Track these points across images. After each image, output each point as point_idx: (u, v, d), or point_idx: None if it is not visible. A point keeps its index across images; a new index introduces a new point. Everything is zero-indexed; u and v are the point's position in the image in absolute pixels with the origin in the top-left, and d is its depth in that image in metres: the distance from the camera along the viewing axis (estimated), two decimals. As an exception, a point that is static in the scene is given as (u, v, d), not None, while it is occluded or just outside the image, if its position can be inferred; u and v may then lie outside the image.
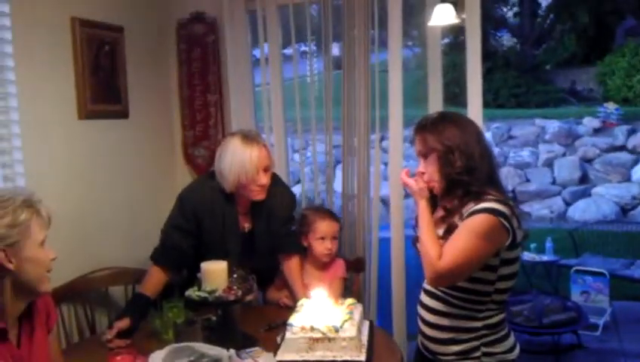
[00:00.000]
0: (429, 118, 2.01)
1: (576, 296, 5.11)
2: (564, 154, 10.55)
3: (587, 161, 10.35)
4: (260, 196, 2.41)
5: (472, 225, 1.80)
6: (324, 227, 2.57)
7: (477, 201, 1.84)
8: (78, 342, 2.45)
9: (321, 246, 2.57)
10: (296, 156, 3.58)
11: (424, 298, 2.01)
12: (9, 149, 2.37)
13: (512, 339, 1.97)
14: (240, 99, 3.18)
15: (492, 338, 1.91)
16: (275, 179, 2.52)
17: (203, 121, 3.22)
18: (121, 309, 2.34)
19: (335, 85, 3.02)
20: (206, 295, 1.99)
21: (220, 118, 3.20)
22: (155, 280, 2.38)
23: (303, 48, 3.23)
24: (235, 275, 2.07)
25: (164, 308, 2.21)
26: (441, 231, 1.91)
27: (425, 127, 1.97)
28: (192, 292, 2.03)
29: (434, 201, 1.99)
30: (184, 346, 1.84)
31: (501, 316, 1.93)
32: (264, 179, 2.37)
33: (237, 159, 2.33)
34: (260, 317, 2.41)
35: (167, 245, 2.43)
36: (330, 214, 2.66)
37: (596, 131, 10.91)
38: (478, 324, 1.90)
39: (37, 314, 1.63)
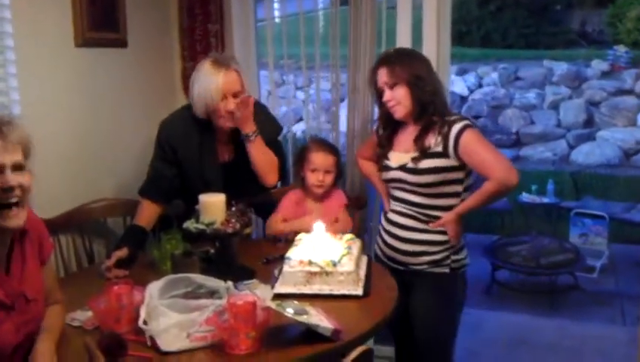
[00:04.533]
0: (391, 52, 2.32)
1: (574, 239, 5.15)
2: (570, 97, 10.44)
3: (593, 104, 10.25)
4: (227, 123, 2.34)
5: (476, 140, 2.11)
6: (316, 158, 2.54)
7: (448, 123, 2.14)
8: (76, 272, 2.46)
9: (313, 178, 2.54)
10: (300, 94, 3.53)
11: (395, 217, 2.29)
12: (4, 76, 2.30)
13: (465, 248, 2.32)
14: (241, 31, 3.11)
15: (457, 247, 2.25)
16: (257, 108, 2.45)
17: (203, 52, 3.11)
18: (118, 239, 2.34)
19: (341, 22, 2.94)
20: (204, 227, 1.97)
21: (220, 49, 3.10)
22: (147, 213, 2.37)
23: None
24: (233, 208, 2.05)
25: (162, 240, 2.21)
26: (414, 153, 2.18)
27: (390, 60, 2.22)
28: (190, 225, 2.01)
29: (394, 124, 2.29)
30: (181, 277, 1.83)
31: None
32: (231, 105, 2.30)
33: (202, 84, 2.28)
34: (257, 250, 2.42)
35: (152, 176, 2.43)
36: (327, 146, 2.61)
37: (604, 74, 10.78)
38: (446, 237, 2.21)
39: (29, 245, 1.61)
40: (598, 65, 10.94)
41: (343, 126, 3.07)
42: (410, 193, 2.23)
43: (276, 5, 3.20)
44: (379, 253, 2.40)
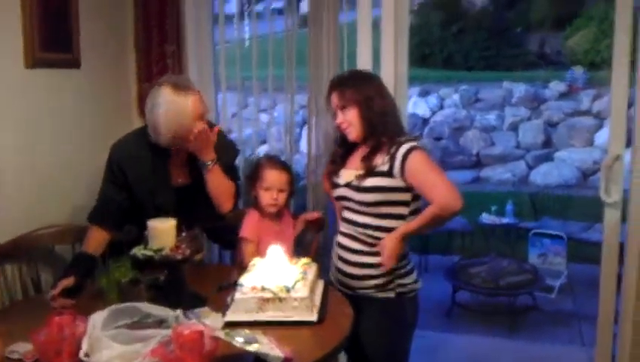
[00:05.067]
0: (343, 75, 2.37)
1: (533, 259, 5.19)
2: (529, 118, 10.60)
3: (552, 125, 10.43)
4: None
5: (422, 162, 2.13)
6: (270, 176, 2.49)
7: (397, 144, 2.15)
8: (20, 301, 2.37)
9: (267, 196, 2.48)
10: (262, 116, 3.51)
11: (342, 239, 2.29)
12: (-52, 98, 2.24)
13: (415, 272, 2.30)
14: (199, 52, 3.09)
15: (402, 271, 2.23)
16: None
17: (160, 73, 3.04)
18: (65, 268, 2.26)
19: (301, 44, 2.95)
20: (152, 254, 1.92)
21: (178, 70, 3.06)
22: (95, 239, 2.30)
23: (274, 5, 3.16)
24: (183, 233, 2.00)
25: (110, 267, 2.14)
26: (360, 171, 2.19)
27: (341, 83, 2.26)
28: (138, 251, 1.95)
29: (348, 146, 2.30)
30: (128, 306, 1.78)
31: (407, 250, 2.26)
32: (201, 128, 2.25)
33: (171, 111, 2.19)
34: (211, 276, 2.36)
35: (101, 201, 2.37)
36: (281, 164, 2.57)
37: (562, 95, 10.99)
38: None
39: None
40: (556, 87, 11.14)
41: (305, 147, 3.05)
42: (355, 213, 2.23)
43: (237, 27, 3.19)
44: (332, 277, 2.38)
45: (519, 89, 11.04)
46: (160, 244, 1.94)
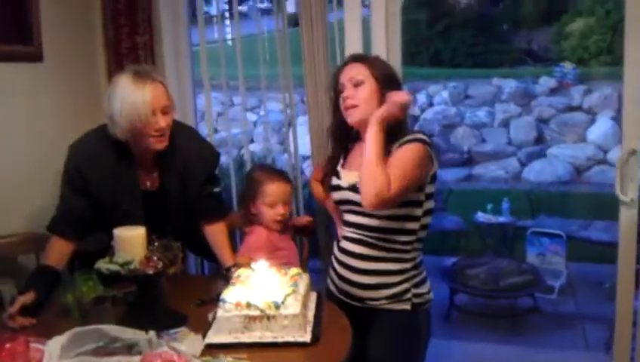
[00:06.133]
0: (367, 54, 2.19)
1: (532, 258, 5.02)
2: (520, 115, 10.45)
3: (543, 121, 10.27)
4: (160, 144, 2.04)
5: (409, 154, 1.86)
6: (273, 190, 2.26)
7: (402, 136, 1.91)
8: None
9: (272, 212, 2.26)
10: (248, 115, 3.33)
11: (348, 245, 2.03)
12: None
13: (428, 280, 2.08)
14: (174, 45, 2.90)
15: (418, 279, 2.01)
16: (190, 132, 2.24)
17: (133, 67, 2.85)
18: (24, 283, 2.01)
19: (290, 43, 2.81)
20: (118, 268, 1.67)
21: (150, 62, 2.82)
22: (57, 252, 2.06)
23: (259, 5, 3.05)
24: (155, 243, 1.75)
25: (76, 281, 1.90)
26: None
27: (366, 58, 2.04)
28: (102, 265, 1.70)
29: (345, 146, 2.09)
30: (91, 329, 1.53)
31: (422, 256, 2.04)
32: (162, 122, 2.01)
33: (127, 100, 1.95)
34: (194, 289, 2.13)
35: (61, 208, 2.12)
36: (280, 175, 2.35)
37: (552, 91, 10.83)
38: (407, 265, 1.98)
39: None
40: (546, 83, 10.98)
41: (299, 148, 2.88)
42: (361, 216, 1.97)
43: (218, 26, 2.99)
44: (332, 287, 2.12)
45: (509, 85, 10.89)
46: (128, 256, 1.69)
